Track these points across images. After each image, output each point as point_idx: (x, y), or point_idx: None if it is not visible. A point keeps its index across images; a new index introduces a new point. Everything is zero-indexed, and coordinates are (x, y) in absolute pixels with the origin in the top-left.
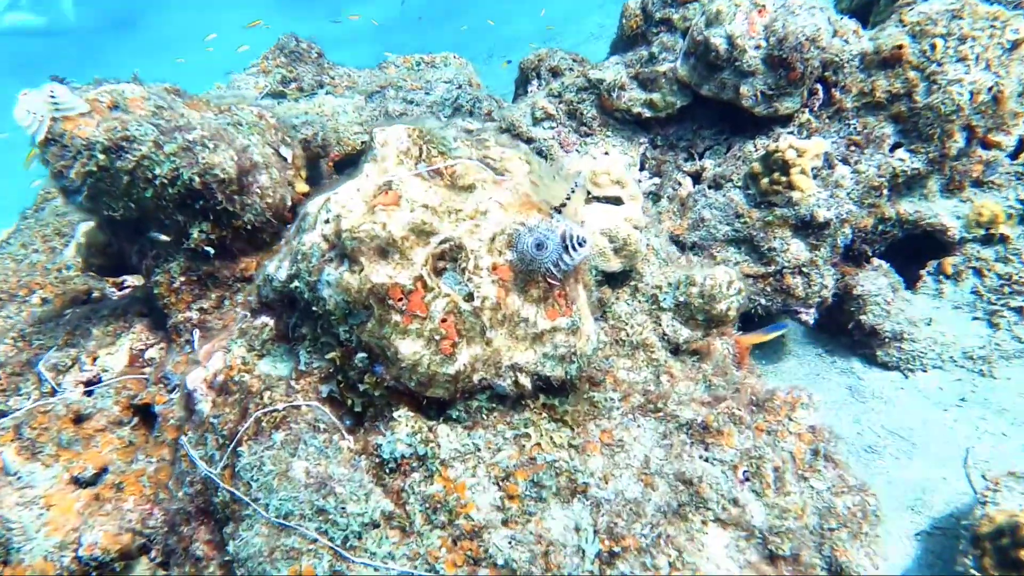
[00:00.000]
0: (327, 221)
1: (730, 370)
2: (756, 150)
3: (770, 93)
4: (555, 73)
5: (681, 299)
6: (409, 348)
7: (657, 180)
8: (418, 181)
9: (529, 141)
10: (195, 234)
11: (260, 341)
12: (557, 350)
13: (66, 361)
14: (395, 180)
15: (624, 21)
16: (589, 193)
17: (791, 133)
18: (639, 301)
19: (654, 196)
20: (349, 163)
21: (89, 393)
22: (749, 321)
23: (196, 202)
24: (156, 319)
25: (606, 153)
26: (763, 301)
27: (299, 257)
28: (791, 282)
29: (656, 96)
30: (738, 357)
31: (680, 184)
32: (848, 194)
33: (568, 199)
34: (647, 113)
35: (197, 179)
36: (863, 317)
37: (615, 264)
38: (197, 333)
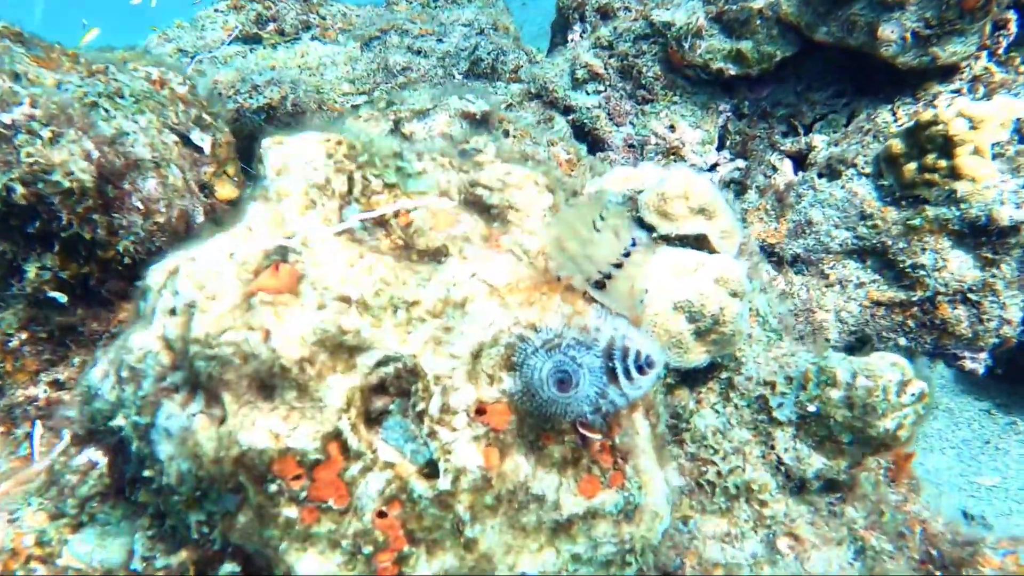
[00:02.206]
0: (172, 312)
1: (887, 504)
2: (896, 119)
3: (927, 33)
4: (605, 15)
5: (811, 408)
6: (314, 568)
7: (742, 163)
8: (339, 244)
9: (567, 111)
10: (31, 272)
11: (79, 498)
12: (599, 549)
13: None
14: (294, 244)
15: None
16: (653, 230)
17: (955, 93)
18: (735, 406)
19: (738, 186)
20: None
21: None
22: None
23: (29, 223)
24: None
25: (671, 128)
26: (902, 340)
27: (123, 373)
28: (948, 314)
29: (747, 45)
30: (893, 468)
31: (776, 169)
32: None
33: (619, 265)
34: (732, 70)
35: (20, 189)
36: None
37: (698, 356)
38: (39, 427)
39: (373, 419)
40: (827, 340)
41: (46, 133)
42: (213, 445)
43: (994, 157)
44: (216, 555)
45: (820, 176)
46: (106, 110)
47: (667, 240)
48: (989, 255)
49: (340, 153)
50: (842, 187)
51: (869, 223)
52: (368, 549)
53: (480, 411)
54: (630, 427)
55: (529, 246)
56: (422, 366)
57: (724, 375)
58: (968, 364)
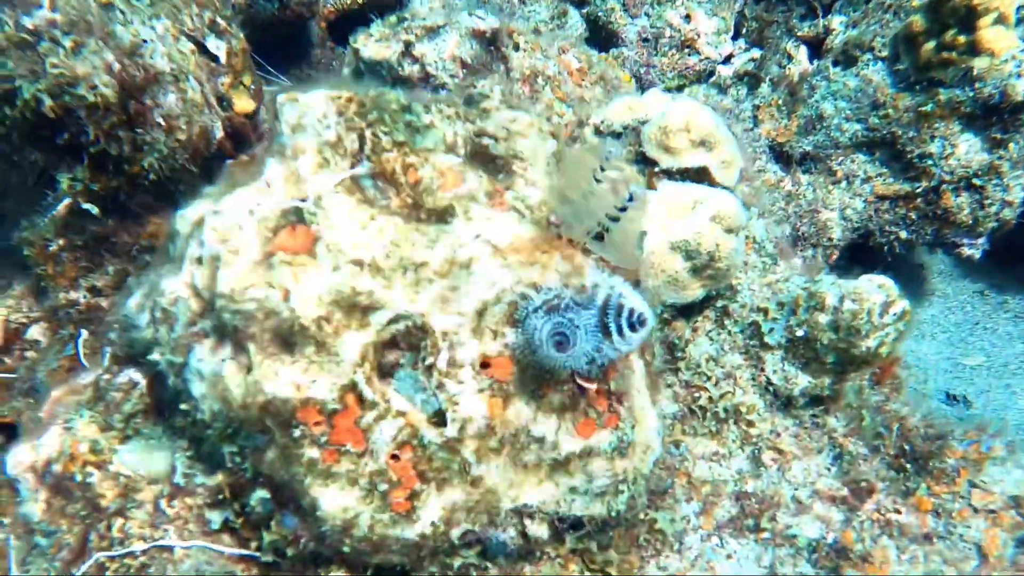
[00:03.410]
0: (199, 261)
1: (868, 408)
2: None
3: None
4: None
5: (799, 332)
6: (336, 502)
7: (757, 53)
8: (351, 205)
9: (582, 3)
10: (64, 184)
11: (124, 414)
12: (593, 483)
13: None
14: (309, 205)
15: None
16: (656, 166)
17: None
18: (729, 332)
19: (751, 80)
20: (354, 21)
21: None
22: (870, 255)
23: (58, 135)
24: None
25: (687, 18)
26: (903, 233)
27: (157, 314)
28: (951, 203)
29: None
30: (878, 372)
31: (792, 58)
32: None
33: (615, 219)
34: None
35: (48, 101)
36: None
37: (694, 292)
38: (84, 334)
39: (386, 372)
40: (830, 240)
41: (68, 42)
42: (241, 392)
43: (1018, 23)
44: (248, 482)
45: (835, 64)
46: (122, 12)
47: (668, 174)
48: (998, 135)
49: (351, 111)
50: (856, 75)
51: (881, 112)
52: (383, 486)
53: (484, 364)
54: (626, 368)
55: (532, 199)
56: (430, 323)
57: (720, 303)
58: (966, 251)
